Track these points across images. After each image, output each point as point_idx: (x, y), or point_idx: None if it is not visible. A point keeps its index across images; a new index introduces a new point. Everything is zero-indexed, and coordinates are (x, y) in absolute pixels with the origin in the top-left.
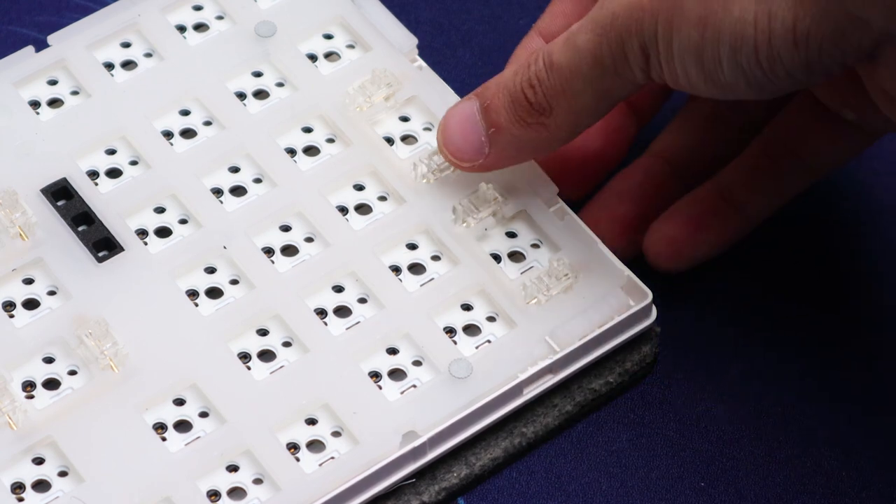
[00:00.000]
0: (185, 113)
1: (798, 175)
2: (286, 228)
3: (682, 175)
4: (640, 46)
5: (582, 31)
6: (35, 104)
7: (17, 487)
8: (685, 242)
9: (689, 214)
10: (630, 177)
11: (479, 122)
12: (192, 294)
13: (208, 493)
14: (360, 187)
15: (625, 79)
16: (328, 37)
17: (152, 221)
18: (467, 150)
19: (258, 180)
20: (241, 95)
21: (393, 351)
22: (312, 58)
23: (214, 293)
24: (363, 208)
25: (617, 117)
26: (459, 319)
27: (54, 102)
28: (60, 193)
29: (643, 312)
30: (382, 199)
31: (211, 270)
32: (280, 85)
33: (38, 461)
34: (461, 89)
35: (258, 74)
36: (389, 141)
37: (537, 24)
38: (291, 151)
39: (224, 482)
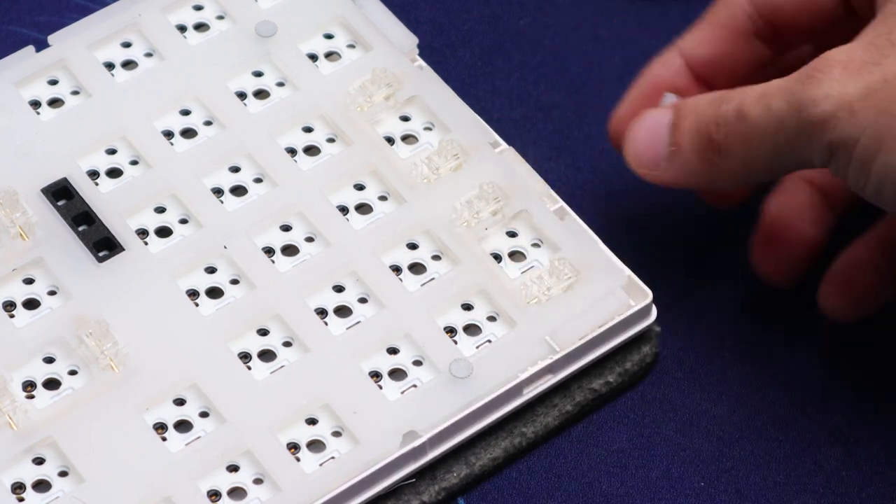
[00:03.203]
0: (186, 113)
1: None
2: (287, 228)
3: (835, 206)
4: (830, 144)
5: (778, 97)
6: (35, 104)
7: (18, 487)
8: (865, 296)
9: (866, 276)
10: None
11: (666, 136)
12: (193, 294)
13: (208, 493)
14: (360, 187)
15: (801, 158)
16: (329, 36)
17: (153, 221)
18: (646, 158)
19: (259, 180)
20: (242, 95)
21: (393, 351)
22: (313, 57)
23: (215, 293)
24: (364, 208)
25: (817, 200)
26: (460, 319)
27: (55, 102)
28: (61, 193)
29: (643, 312)
30: (383, 198)
31: (211, 270)
32: (280, 85)
33: (39, 461)
34: (461, 89)
35: (259, 74)
36: (390, 140)
37: (680, 41)
38: (292, 151)
39: (224, 482)
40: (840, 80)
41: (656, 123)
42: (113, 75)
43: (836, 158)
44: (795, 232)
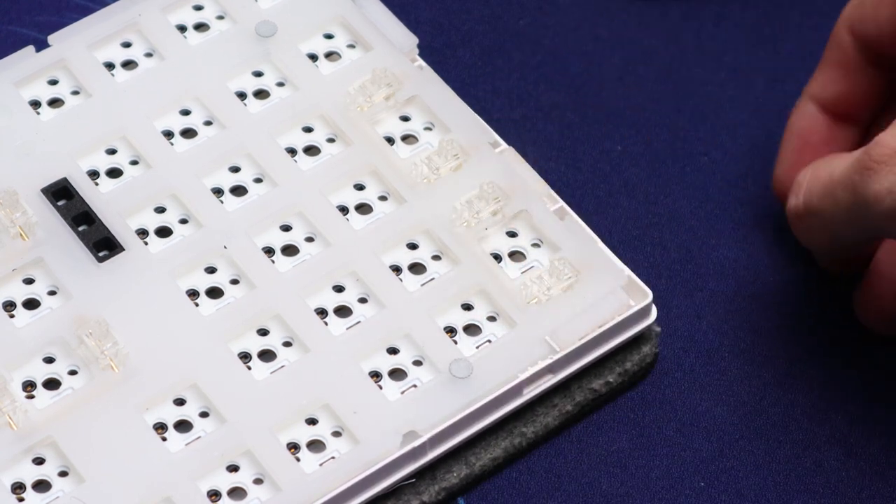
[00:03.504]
0: (186, 113)
1: None
2: (287, 228)
3: None
4: None
5: (842, 189)
6: (35, 104)
7: (18, 487)
8: None
9: None
10: None
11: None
12: (193, 294)
13: (208, 493)
14: (360, 187)
15: (887, 236)
16: (329, 36)
17: (153, 221)
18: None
19: (259, 180)
20: (242, 95)
21: (393, 351)
22: (313, 57)
23: (215, 293)
24: (364, 208)
25: None
26: (460, 319)
27: (55, 102)
28: (61, 193)
29: (643, 312)
30: (383, 198)
31: (211, 270)
32: (280, 85)
33: (39, 461)
34: (461, 89)
35: (259, 74)
36: (390, 140)
37: (808, 88)
38: (292, 151)
39: (224, 482)
40: None
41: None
42: (113, 75)
43: None
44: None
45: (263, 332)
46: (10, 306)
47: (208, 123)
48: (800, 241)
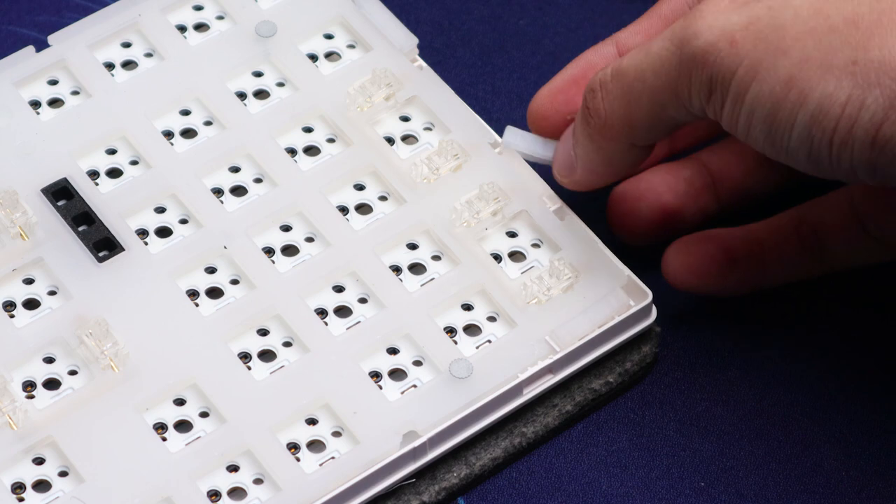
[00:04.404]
0: (186, 113)
1: (820, 260)
2: (287, 228)
3: (720, 194)
4: (709, 77)
5: (659, 39)
6: (35, 104)
7: (18, 487)
8: (704, 276)
9: (716, 253)
10: (672, 172)
11: (571, 139)
12: (193, 294)
13: (208, 493)
14: (360, 187)
15: (681, 102)
16: (329, 37)
17: (153, 221)
18: (562, 165)
19: (259, 180)
20: (242, 95)
21: (393, 351)
22: (313, 58)
23: (215, 293)
24: (364, 208)
25: (698, 181)
26: (460, 319)
27: (55, 102)
28: (61, 193)
29: (643, 312)
30: (383, 198)
31: (211, 270)
32: (280, 85)
33: (39, 461)
34: (461, 89)
35: (259, 74)
36: (390, 141)
37: (619, 33)
38: (292, 151)
39: (224, 482)
40: (725, 11)
41: (568, 133)
42: (113, 75)
43: (714, 95)
44: (652, 194)
45: (263, 332)
46: (10, 306)
47: (208, 123)
48: (591, 133)
